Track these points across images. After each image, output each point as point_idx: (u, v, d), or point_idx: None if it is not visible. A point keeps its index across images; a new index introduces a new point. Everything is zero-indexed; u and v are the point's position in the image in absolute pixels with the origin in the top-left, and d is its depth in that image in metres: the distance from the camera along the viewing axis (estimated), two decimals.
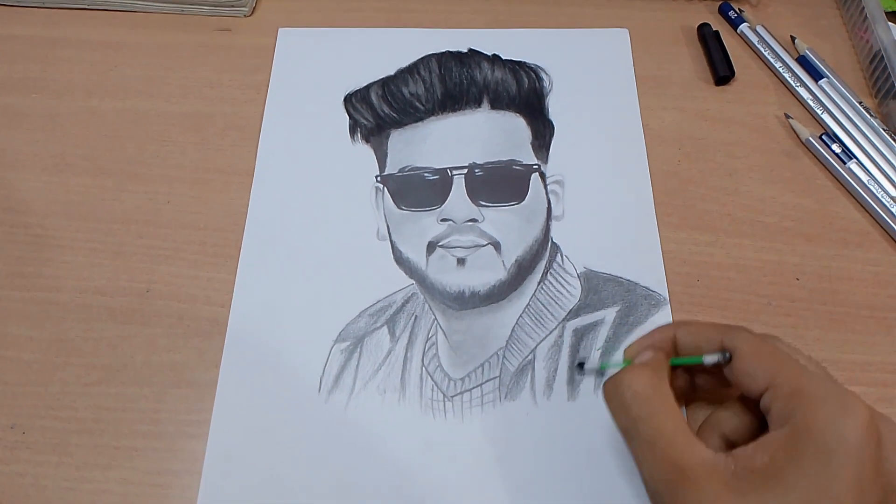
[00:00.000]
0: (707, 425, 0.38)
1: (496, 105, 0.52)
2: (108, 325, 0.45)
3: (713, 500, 0.31)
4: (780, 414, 0.32)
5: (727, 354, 0.35)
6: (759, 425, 0.35)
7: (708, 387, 0.40)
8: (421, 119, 0.52)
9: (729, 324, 0.38)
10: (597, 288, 0.46)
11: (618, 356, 0.43)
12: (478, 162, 0.50)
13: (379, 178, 0.50)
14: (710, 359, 0.36)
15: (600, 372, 0.43)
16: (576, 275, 0.46)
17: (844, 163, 0.50)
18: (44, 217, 0.49)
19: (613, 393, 0.36)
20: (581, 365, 0.43)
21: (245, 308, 0.46)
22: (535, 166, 0.50)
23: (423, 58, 0.55)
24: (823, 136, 0.52)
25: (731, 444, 0.36)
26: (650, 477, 0.34)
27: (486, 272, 0.46)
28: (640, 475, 0.35)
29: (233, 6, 0.58)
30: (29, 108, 0.54)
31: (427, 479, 0.41)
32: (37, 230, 0.49)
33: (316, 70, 0.55)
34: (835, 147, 0.51)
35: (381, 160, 0.51)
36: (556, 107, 0.53)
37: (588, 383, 0.43)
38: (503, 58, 0.55)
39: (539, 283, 0.46)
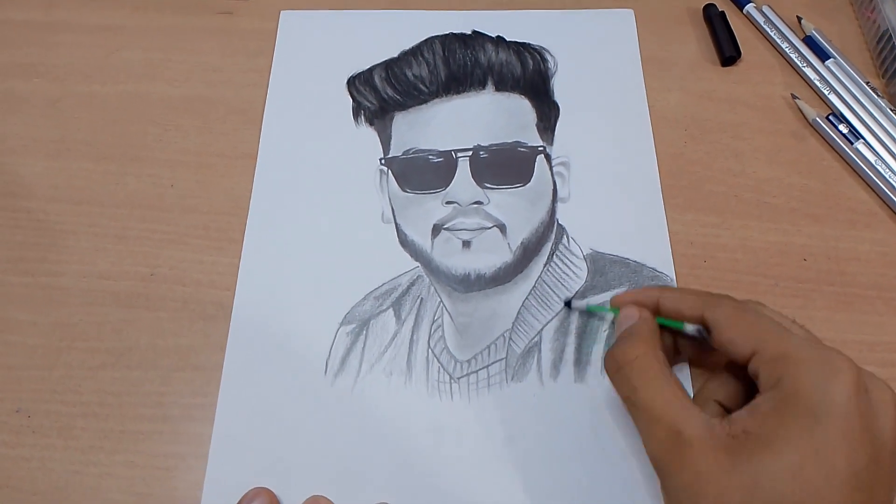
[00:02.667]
0: (702, 394, 0.39)
1: (501, 87, 0.52)
2: (112, 310, 0.45)
3: (711, 464, 0.32)
4: (767, 379, 0.33)
5: (704, 330, 0.37)
6: (752, 389, 0.35)
7: (699, 352, 0.40)
8: (425, 101, 0.51)
9: (711, 292, 0.39)
10: (603, 269, 0.46)
11: (605, 302, 0.44)
12: (482, 144, 0.49)
13: (383, 161, 0.50)
14: (689, 328, 0.38)
15: (587, 312, 0.44)
16: (582, 256, 0.46)
17: (851, 143, 0.50)
18: (46, 202, 0.49)
19: (613, 364, 0.37)
20: (568, 303, 0.44)
21: (250, 291, 0.45)
22: (540, 148, 0.50)
23: (426, 40, 0.54)
24: (830, 117, 0.51)
25: (726, 411, 0.37)
26: (650, 443, 0.35)
27: (491, 255, 0.46)
28: (642, 442, 0.35)
29: None
30: (30, 93, 0.54)
31: (433, 460, 0.41)
32: (39, 215, 0.48)
33: (318, 53, 0.55)
34: (842, 127, 0.51)
35: (385, 143, 0.50)
36: (561, 88, 0.52)
37: (595, 367, 0.43)
38: (507, 39, 0.54)
39: (545, 266, 0.46)
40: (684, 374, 0.42)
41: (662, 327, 0.39)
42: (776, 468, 0.31)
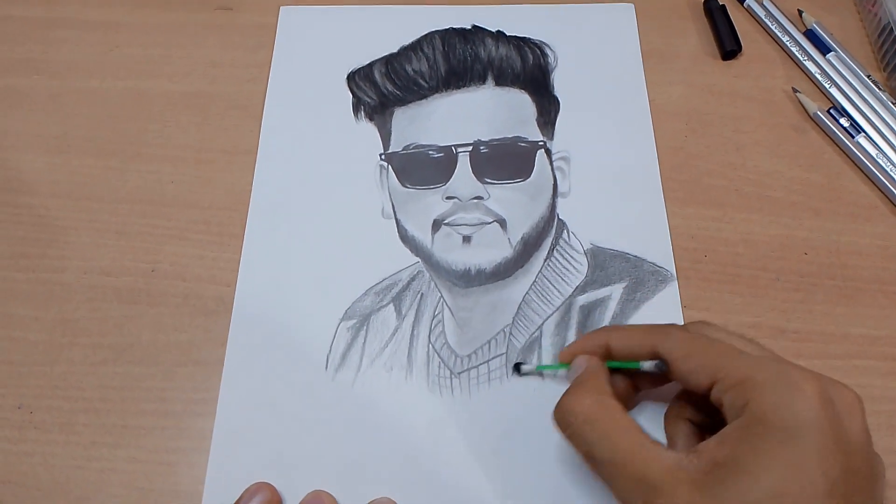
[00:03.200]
0: (671, 413, 0.38)
1: (501, 82, 0.52)
2: (113, 305, 0.45)
3: (689, 501, 0.31)
4: (732, 405, 0.32)
5: (661, 364, 0.36)
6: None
7: (659, 384, 0.39)
8: (425, 96, 0.51)
9: (657, 324, 0.38)
10: (603, 264, 0.46)
11: (553, 360, 0.43)
12: (483, 139, 0.49)
13: (383, 157, 0.50)
14: (647, 365, 0.36)
15: (538, 373, 0.43)
16: (582, 251, 0.46)
17: (853, 136, 0.50)
18: (47, 198, 0.49)
19: (562, 421, 0.35)
20: (518, 366, 0.43)
21: (251, 287, 0.45)
22: (540, 143, 0.50)
23: (426, 35, 0.54)
24: (831, 110, 0.51)
25: (699, 426, 0.37)
26: (620, 495, 0.33)
27: (491, 250, 0.46)
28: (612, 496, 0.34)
29: None
30: (30, 89, 0.54)
31: (434, 454, 0.41)
32: (40, 211, 0.49)
33: (318, 48, 0.55)
34: (843, 121, 0.51)
35: (385, 138, 0.50)
36: (561, 83, 0.52)
37: None
38: (507, 34, 0.54)
39: (545, 260, 0.46)
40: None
41: (618, 370, 0.38)
42: (755, 494, 0.30)
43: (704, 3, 0.56)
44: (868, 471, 0.32)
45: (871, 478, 0.32)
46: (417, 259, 0.46)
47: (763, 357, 0.34)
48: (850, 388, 0.33)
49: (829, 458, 0.30)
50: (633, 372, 0.38)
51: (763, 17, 0.56)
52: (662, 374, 0.36)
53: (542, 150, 0.49)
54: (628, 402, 0.39)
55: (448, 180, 0.48)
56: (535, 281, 0.45)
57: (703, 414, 0.37)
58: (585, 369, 0.38)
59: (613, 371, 0.38)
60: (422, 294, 0.45)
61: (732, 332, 0.36)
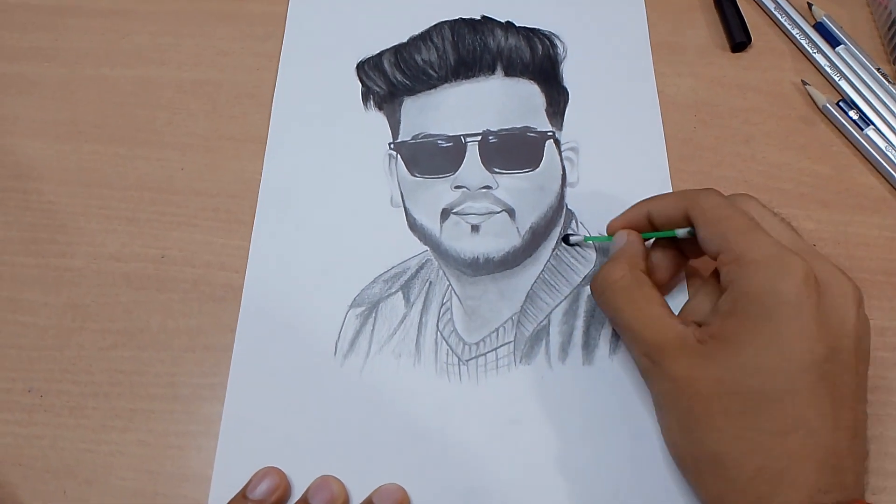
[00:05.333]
0: (698, 284, 0.42)
1: (510, 72, 0.52)
2: (123, 291, 0.45)
3: (685, 369, 0.35)
4: (726, 279, 0.35)
5: (692, 229, 0.38)
6: None
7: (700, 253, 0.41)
8: (434, 86, 0.51)
9: (692, 189, 0.40)
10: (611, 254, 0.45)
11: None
12: (492, 129, 0.49)
13: (392, 146, 0.50)
14: (681, 232, 0.39)
15: (585, 244, 0.46)
16: None
17: (862, 129, 0.50)
18: (57, 184, 0.49)
19: (597, 289, 0.40)
20: (567, 237, 0.46)
21: (260, 274, 0.46)
22: (549, 133, 0.50)
23: (435, 25, 0.54)
24: (840, 103, 0.51)
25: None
26: (635, 357, 0.38)
27: (500, 239, 0.46)
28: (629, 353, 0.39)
29: None
30: (40, 76, 0.54)
31: (441, 441, 0.41)
32: (50, 197, 0.49)
33: (328, 37, 0.55)
34: (852, 114, 0.51)
35: (395, 127, 0.51)
36: (570, 73, 0.52)
37: (603, 350, 0.43)
38: (517, 24, 0.54)
39: (553, 250, 0.46)
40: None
41: (658, 240, 0.41)
42: (737, 364, 0.33)
43: None
44: (860, 354, 0.34)
45: (864, 360, 0.35)
46: (426, 247, 0.46)
47: (766, 240, 0.35)
48: (848, 278, 0.36)
49: (811, 339, 0.33)
50: (680, 241, 0.41)
51: (773, 10, 0.56)
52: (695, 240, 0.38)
53: (551, 140, 0.49)
54: (671, 271, 0.42)
55: (457, 170, 0.48)
56: (543, 270, 0.45)
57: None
58: (624, 243, 0.41)
59: (657, 245, 0.42)
60: (430, 282, 0.45)
61: (770, 210, 0.38)
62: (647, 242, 0.42)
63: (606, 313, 0.40)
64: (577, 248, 0.46)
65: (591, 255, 0.46)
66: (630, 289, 0.38)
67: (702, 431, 0.34)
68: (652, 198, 0.42)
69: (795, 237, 0.37)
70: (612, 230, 0.42)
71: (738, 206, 0.37)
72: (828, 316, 0.33)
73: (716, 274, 0.38)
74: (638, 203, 0.42)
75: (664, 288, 0.43)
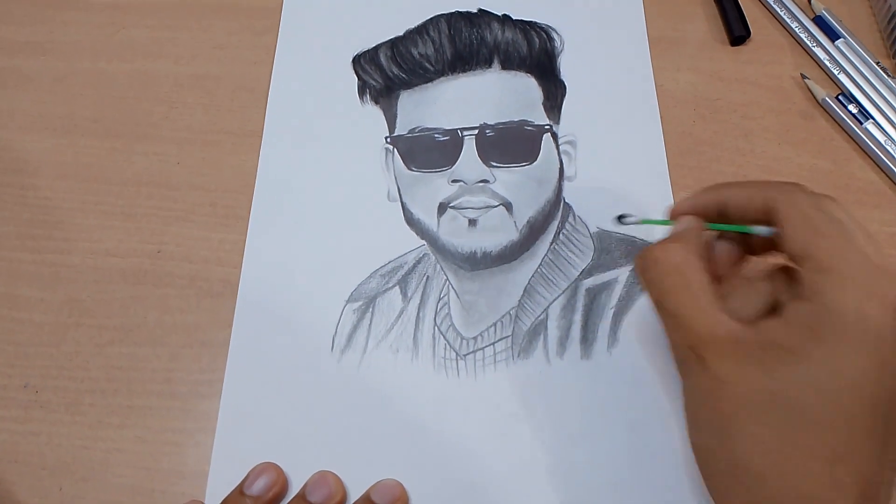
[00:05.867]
0: (748, 277, 0.37)
1: (507, 65, 0.52)
2: (119, 287, 0.45)
3: (733, 370, 0.31)
4: (809, 288, 0.32)
5: (773, 229, 0.34)
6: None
7: (766, 251, 0.37)
8: (430, 80, 0.51)
9: (779, 181, 0.36)
10: (609, 248, 0.45)
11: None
12: (489, 122, 0.49)
13: (389, 140, 0.50)
14: (764, 230, 0.35)
15: (639, 225, 0.43)
16: (588, 235, 0.46)
17: (861, 123, 0.50)
18: (53, 179, 0.49)
19: (643, 266, 0.36)
20: (622, 217, 0.42)
21: (256, 269, 0.45)
22: (546, 126, 0.49)
23: (431, 18, 0.54)
24: (840, 97, 0.51)
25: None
26: (676, 346, 0.34)
27: (497, 233, 0.46)
28: (668, 344, 0.35)
29: None
30: (36, 70, 0.54)
31: (439, 436, 0.41)
32: (46, 192, 0.49)
33: (324, 31, 0.54)
34: (851, 108, 0.50)
35: (391, 121, 0.50)
36: (567, 67, 0.52)
37: (601, 344, 0.43)
38: (514, 18, 0.54)
39: (551, 244, 0.46)
40: None
41: (723, 232, 0.37)
42: (798, 379, 0.30)
43: None
44: None
45: None
46: (423, 242, 0.46)
47: (860, 253, 0.32)
48: None
49: (887, 373, 0.30)
50: (744, 236, 0.37)
51: (772, 3, 0.55)
52: (772, 241, 0.35)
53: (549, 133, 0.49)
54: (729, 267, 0.37)
55: (454, 164, 0.48)
56: (540, 264, 0.45)
57: (784, 291, 0.35)
58: (685, 226, 0.37)
59: (721, 236, 0.37)
60: (427, 277, 0.45)
61: (856, 219, 0.34)
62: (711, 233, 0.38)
63: (651, 294, 0.36)
64: (577, 240, 0.46)
65: (590, 248, 0.46)
66: (684, 272, 0.34)
67: (741, 440, 0.31)
68: (727, 184, 0.38)
69: (882, 253, 0.33)
70: (675, 214, 0.38)
71: (827, 208, 0.34)
72: None
73: (772, 273, 0.35)
74: (710, 187, 0.38)
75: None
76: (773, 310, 0.34)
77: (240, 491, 0.39)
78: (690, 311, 0.33)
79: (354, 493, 0.39)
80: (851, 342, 0.30)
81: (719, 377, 0.32)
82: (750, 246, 0.38)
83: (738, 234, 0.37)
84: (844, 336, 0.30)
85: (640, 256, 0.36)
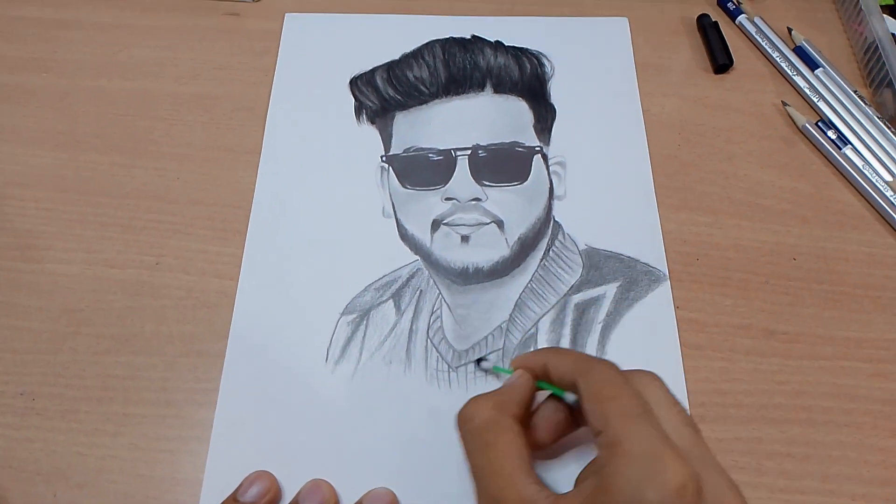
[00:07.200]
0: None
1: (499, 89, 0.53)
2: (117, 297, 0.46)
3: None
4: (598, 462, 0.31)
5: (577, 399, 0.35)
6: None
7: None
8: (425, 102, 0.53)
9: (592, 357, 0.37)
10: (598, 264, 0.47)
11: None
12: (481, 143, 0.51)
13: (384, 158, 0.51)
14: (570, 398, 0.35)
15: (493, 373, 0.43)
16: (577, 251, 0.47)
17: (840, 148, 0.52)
18: (54, 192, 0.50)
19: (458, 421, 0.36)
20: (479, 361, 0.44)
21: (253, 281, 0.46)
22: (537, 148, 0.51)
23: (427, 43, 0.56)
24: (819, 123, 0.53)
25: None
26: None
27: (489, 249, 0.47)
28: None
29: None
30: (40, 87, 0.55)
31: (432, 446, 0.41)
32: (47, 204, 0.49)
33: (322, 54, 0.56)
34: (830, 133, 0.52)
35: (387, 141, 0.52)
36: (557, 91, 0.54)
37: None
38: (506, 44, 0.56)
39: (541, 260, 0.47)
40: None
41: (552, 397, 0.38)
42: None
43: (697, 18, 0.58)
44: None
45: None
46: (417, 257, 0.47)
47: (653, 434, 0.30)
48: (738, 496, 0.31)
49: None
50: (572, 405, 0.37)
51: (754, 34, 0.57)
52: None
53: (539, 154, 0.51)
54: (555, 433, 0.37)
55: (447, 182, 0.49)
56: (531, 280, 0.46)
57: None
58: (511, 382, 0.38)
59: (551, 398, 0.38)
60: (421, 291, 0.46)
61: (672, 398, 0.34)
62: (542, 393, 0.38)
63: (463, 452, 0.35)
64: (566, 257, 0.47)
65: (579, 265, 0.47)
66: (487, 432, 0.34)
67: None
68: (554, 349, 0.39)
69: (692, 435, 0.32)
70: (514, 365, 0.39)
71: (635, 385, 0.33)
72: None
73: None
74: (543, 349, 0.39)
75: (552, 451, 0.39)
76: None
77: (233, 498, 0.39)
78: (488, 472, 0.33)
79: (347, 502, 0.40)
80: None
81: None
82: (577, 417, 0.37)
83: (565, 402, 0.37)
84: None
85: (460, 411, 0.36)
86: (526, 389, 0.37)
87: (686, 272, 0.47)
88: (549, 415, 0.37)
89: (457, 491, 0.40)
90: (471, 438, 0.35)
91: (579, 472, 0.35)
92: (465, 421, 0.36)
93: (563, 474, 0.38)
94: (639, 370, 0.35)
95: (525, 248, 0.47)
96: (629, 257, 0.47)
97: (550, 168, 0.50)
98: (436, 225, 0.48)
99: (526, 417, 0.37)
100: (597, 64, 0.56)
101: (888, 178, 0.50)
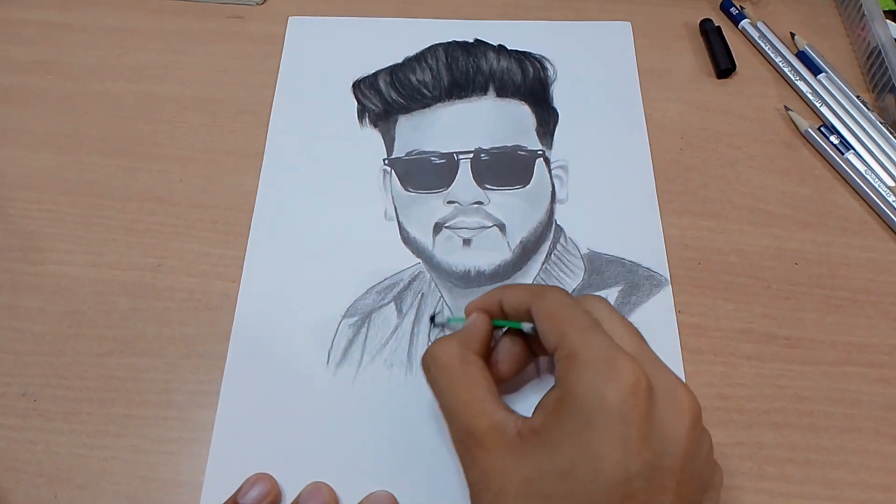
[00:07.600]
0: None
1: (502, 93, 0.53)
2: (120, 299, 0.46)
3: (497, 462, 0.32)
4: (557, 376, 0.33)
5: (533, 326, 0.36)
6: None
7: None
8: (428, 105, 0.53)
9: (540, 286, 0.40)
10: (600, 269, 0.47)
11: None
12: (484, 147, 0.51)
13: (387, 161, 0.51)
14: (527, 327, 0.37)
15: (449, 326, 0.45)
16: (579, 256, 0.47)
17: (842, 153, 0.52)
18: (58, 194, 0.50)
19: (425, 364, 0.37)
20: (433, 318, 0.45)
21: (255, 284, 0.46)
22: (539, 152, 0.51)
23: (430, 47, 0.56)
24: (822, 128, 0.53)
25: None
26: (454, 442, 0.35)
27: (491, 252, 0.47)
28: None
29: None
30: (44, 89, 0.55)
31: (433, 449, 0.41)
32: (50, 206, 0.50)
33: (325, 57, 0.56)
34: (833, 139, 0.52)
35: (389, 144, 0.52)
36: (560, 95, 0.54)
37: None
38: (509, 48, 0.56)
39: (543, 264, 0.47)
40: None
41: (508, 332, 0.39)
42: (548, 467, 0.31)
43: (700, 23, 0.58)
44: (686, 476, 0.31)
45: (691, 483, 0.31)
46: (418, 260, 0.47)
47: (604, 342, 0.33)
48: (688, 392, 0.33)
49: (629, 452, 0.30)
50: (529, 336, 0.38)
51: (757, 39, 0.58)
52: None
53: (541, 158, 0.51)
54: (516, 364, 0.39)
55: (450, 185, 0.49)
56: (532, 283, 0.46)
57: None
58: (472, 322, 0.39)
59: (507, 333, 0.39)
60: (422, 294, 0.46)
61: (618, 314, 0.36)
62: (500, 331, 0.40)
63: (432, 390, 0.37)
64: (568, 261, 0.47)
65: (580, 269, 0.47)
66: (454, 367, 0.36)
67: None
68: (505, 286, 0.41)
69: (639, 343, 0.35)
70: (467, 312, 0.40)
71: (583, 305, 0.36)
72: (653, 430, 0.30)
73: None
74: (494, 289, 0.40)
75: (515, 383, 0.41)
76: None
77: (234, 501, 0.39)
78: (458, 404, 0.35)
79: None
80: (590, 423, 0.30)
81: (484, 469, 0.33)
82: (534, 347, 0.40)
83: (523, 335, 0.39)
84: (584, 418, 0.31)
85: (424, 355, 0.38)
86: (484, 327, 0.39)
87: (688, 277, 0.47)
88: (507, 348, 0.39)
89: (457, 495, 0.40)
90: (439, 376, 0.36)
91: (538, 401, 0.35)
92: (432, 360, 0.37)
93: (525, 405, 0.38)
94: (587, 294, 0.39)
95: (527, 251, 0.47)
96: (631, 261, 0.47)
97: (552, 172, 0.51)
98: (438, 228, 0.48)
99: (487, 354, 0.39)
100: (599, 68, 0.56)
101: (891, 183, 0.50)
